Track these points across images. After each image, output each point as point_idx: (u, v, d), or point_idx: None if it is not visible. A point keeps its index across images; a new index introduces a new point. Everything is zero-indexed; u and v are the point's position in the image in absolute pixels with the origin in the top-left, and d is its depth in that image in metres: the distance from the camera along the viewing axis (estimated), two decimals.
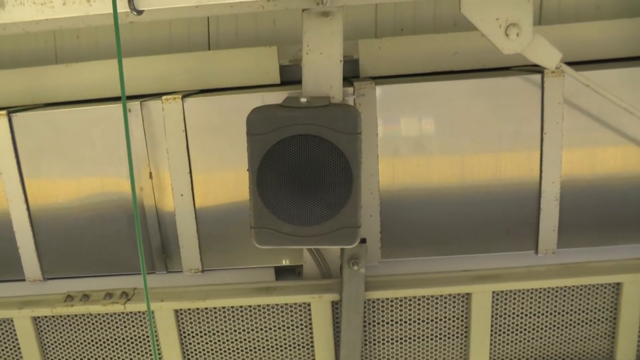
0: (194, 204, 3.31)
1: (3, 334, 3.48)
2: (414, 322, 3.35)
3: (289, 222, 2.55)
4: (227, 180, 3.29)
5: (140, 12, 2.35)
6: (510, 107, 3.17)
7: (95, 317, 3.39)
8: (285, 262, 3.44)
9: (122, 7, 2.29)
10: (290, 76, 3.68)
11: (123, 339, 3.45)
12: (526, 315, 3.34)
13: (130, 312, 3.37)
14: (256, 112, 2.54)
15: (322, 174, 2.49)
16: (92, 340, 3.46)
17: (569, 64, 2.88)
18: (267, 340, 3.40)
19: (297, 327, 3.35)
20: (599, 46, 3.52)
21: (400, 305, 3.32)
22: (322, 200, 2.51)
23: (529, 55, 2.74)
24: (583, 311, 3.34)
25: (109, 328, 3.42)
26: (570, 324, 3.38)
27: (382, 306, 3.32)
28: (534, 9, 2.67)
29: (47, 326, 3.44)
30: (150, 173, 3.31)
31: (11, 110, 3.30)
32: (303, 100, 2.55)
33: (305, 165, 2.49)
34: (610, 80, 3.06)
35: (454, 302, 3.30)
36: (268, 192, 2.52)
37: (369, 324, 3.36)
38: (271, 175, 2.51)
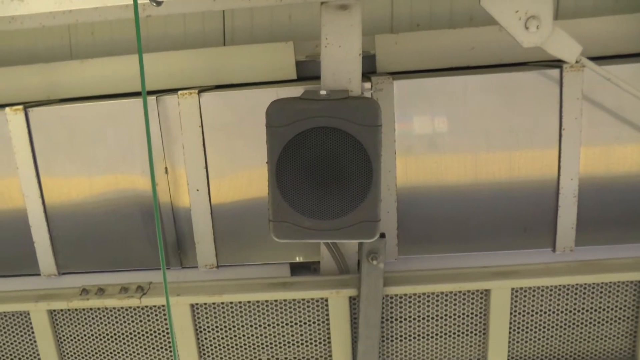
0: (209, 199, 3.30)
1: (20, 326, 3.49)
2: (432, 318, 3.33)
3: (308, 216, 2.53)
4: (243, 176, 3.28)
5: (159, 3, 2.34)
6: (528, 102, 3.15)
7: (111, 311, 3.39)
8: (299, 259, 3.43)
9: None
10: (306, 72, 3.66)
11: (138, 333, 3.44)
12: (545, 312, 3.30)
13: (146, 307, 3.36)
14: (276, 104, 2.52)
15: (342, 166, 2.48)
16: (107, 334, 3.45)
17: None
18: (283, 336, 3.38)
19: (314, 322, 3.33)
20: (617, 41, 3.47)
21: (419, 301, 3.29)
22: (342, 193, 2.50)
23: (548, 49, 2.71)
24: (603, 309, 3.29)
25: (124, 322, 3.42)
26: (590, 322, 3.33)
27: (400, 302, 3.29)
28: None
29: (63, 319, 3.44)
30: (166, 168, 3.30)
31: (27, 105, 3.31)
32: (323, 92, 2.54)
33: (324, 158, 2.47)
34: (631, 75, 3.03)
35: (472, 298, 3.26)
36: (287, 185, 2.51)
37: (387, 319, 3.33)
38: (290, 168, 2.49)
